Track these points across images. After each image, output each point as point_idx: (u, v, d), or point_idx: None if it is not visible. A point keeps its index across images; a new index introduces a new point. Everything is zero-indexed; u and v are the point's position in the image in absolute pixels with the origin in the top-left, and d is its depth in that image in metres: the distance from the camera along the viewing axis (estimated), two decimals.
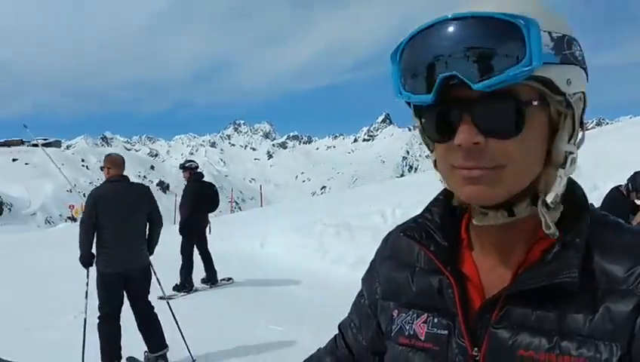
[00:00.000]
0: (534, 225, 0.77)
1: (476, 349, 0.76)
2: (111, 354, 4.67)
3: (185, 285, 8.16)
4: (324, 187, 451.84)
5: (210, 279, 8.55)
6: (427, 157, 0.87)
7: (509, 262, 0.79)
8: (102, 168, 5.12)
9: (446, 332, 0.81)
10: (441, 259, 0.83)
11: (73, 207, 43.27)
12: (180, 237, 8.46)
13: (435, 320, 0.83)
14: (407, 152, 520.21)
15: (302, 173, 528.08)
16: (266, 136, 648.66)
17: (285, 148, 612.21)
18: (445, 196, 0.90)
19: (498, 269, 0.80)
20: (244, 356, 5.15)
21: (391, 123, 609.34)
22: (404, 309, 0.89)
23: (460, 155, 0.71)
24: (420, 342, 0.83)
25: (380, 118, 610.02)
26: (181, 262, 8.27)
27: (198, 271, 8.45)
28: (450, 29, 0.68)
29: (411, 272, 0.91)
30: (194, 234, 8.46)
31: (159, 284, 5.36)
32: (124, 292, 4.87)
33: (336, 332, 1.13)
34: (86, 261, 4.79)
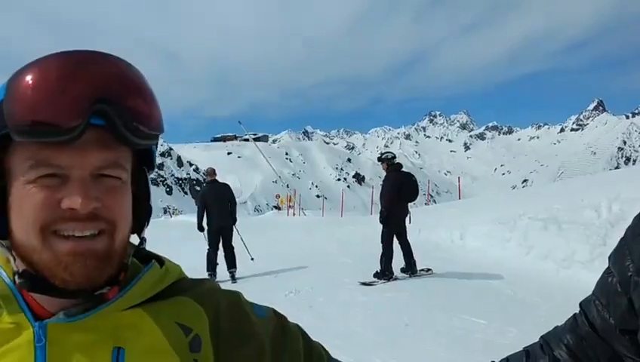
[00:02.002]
0: None
1: None
2: (211, 267, 9.33)
3: (385, 273, 8.33)
4: (525, 180, 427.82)
5: (410, 269, 8.61)
6: None
7: None
8: (206, 175, 9.99)
9: None
10: None
11: (279, 196, 46.92)
12: (380, 226, 8.67)
13: None
14: (624, 142, 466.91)
15: (501, 165, 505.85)
16: (463, 127, 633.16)
17: (483, 139, 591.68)
18: None
19: None
20: (444, 346, 5.08)
21: (604, 110, 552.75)
22: None
23: None
24: None
25: (592, 106, 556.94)
26: (381, 251, 8.48)
27: (398, 260, 8.57)
28: None
29: None
30: (394, 223, 8.57)
31: (243, 242, 10.31)
32: (220, 239, 9.46)
33: (575, 311, 1.09)
34: (200, 228, 9.48)
